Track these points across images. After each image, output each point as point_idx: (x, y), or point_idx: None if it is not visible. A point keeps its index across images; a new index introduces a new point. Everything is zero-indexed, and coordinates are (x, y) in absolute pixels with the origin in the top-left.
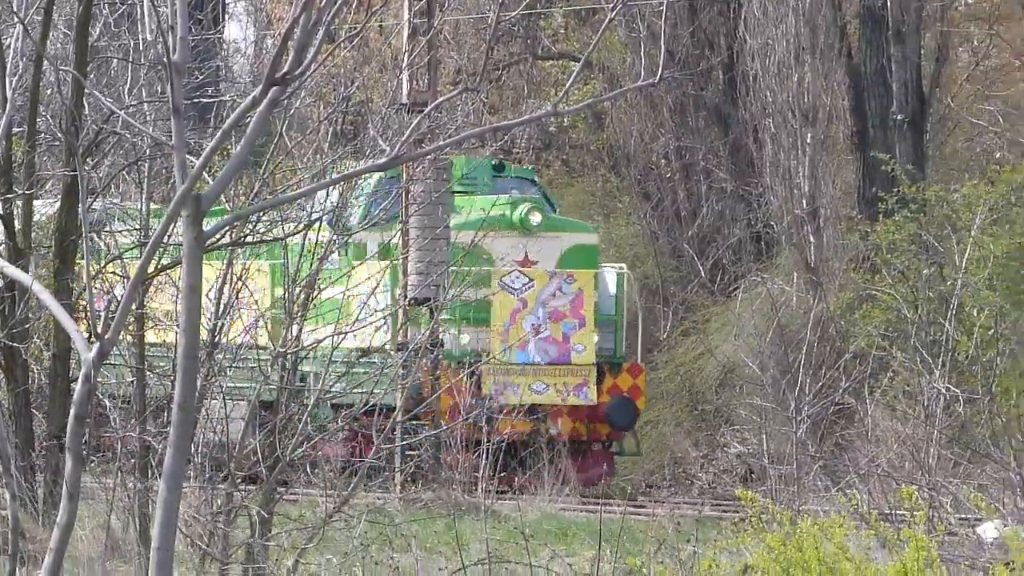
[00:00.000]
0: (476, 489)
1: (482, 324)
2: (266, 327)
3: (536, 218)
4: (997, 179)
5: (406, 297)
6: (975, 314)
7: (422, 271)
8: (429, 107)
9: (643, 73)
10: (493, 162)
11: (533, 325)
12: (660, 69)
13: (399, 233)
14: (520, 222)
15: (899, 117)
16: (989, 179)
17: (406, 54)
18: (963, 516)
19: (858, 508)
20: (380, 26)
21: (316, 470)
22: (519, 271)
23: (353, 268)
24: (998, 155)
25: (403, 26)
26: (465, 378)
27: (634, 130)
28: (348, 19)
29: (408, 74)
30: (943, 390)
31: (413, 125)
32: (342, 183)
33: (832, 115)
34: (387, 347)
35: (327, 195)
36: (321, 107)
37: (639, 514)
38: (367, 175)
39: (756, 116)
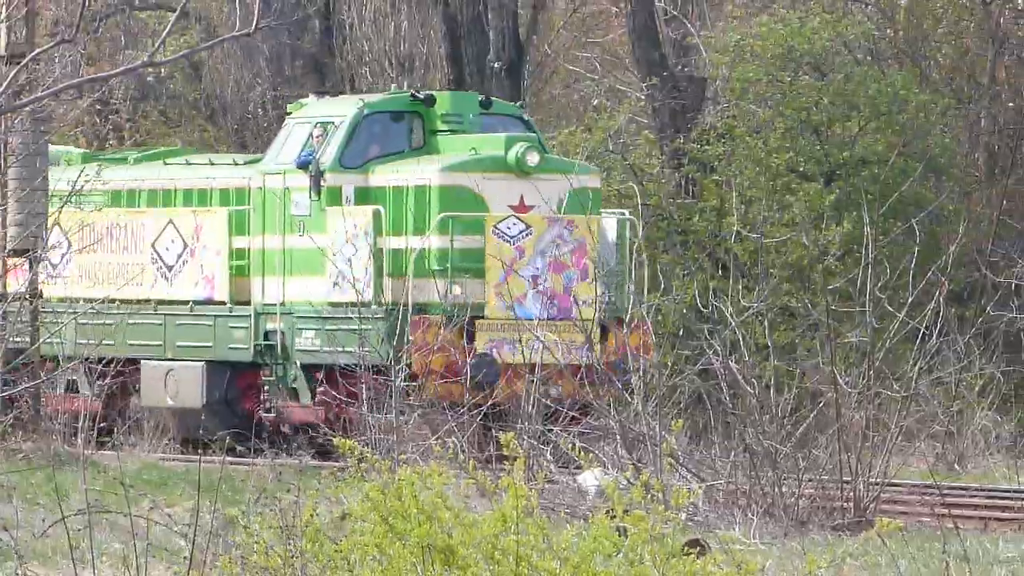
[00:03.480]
0: (76, 439)
1: (475, 275)
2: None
3: (534, 158)
4: (594, 126)
5: (4, 249)
6: None
7: (21, 223)
8: (27, 59)
9: (239, 23)
10: (480, 98)
11: (532, 276)
12: (256, 18)
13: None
14: (516, 163)
15: (496, 64)
16: (587, 126)
17: (3, 6)
18: (563, 465)
19: (456, 457)
20: None
21: None
22: (515, 217)
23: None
24: (595, 102)
25: None
26: (449, 333)
27: (231, 80)
28: None
29: (6, 26)
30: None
31: (11, 77)
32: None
33: (429, 63)
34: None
35: (284, 140)
36: None
37: (241, 463)
38: (340, 115)
39: (353, 65)
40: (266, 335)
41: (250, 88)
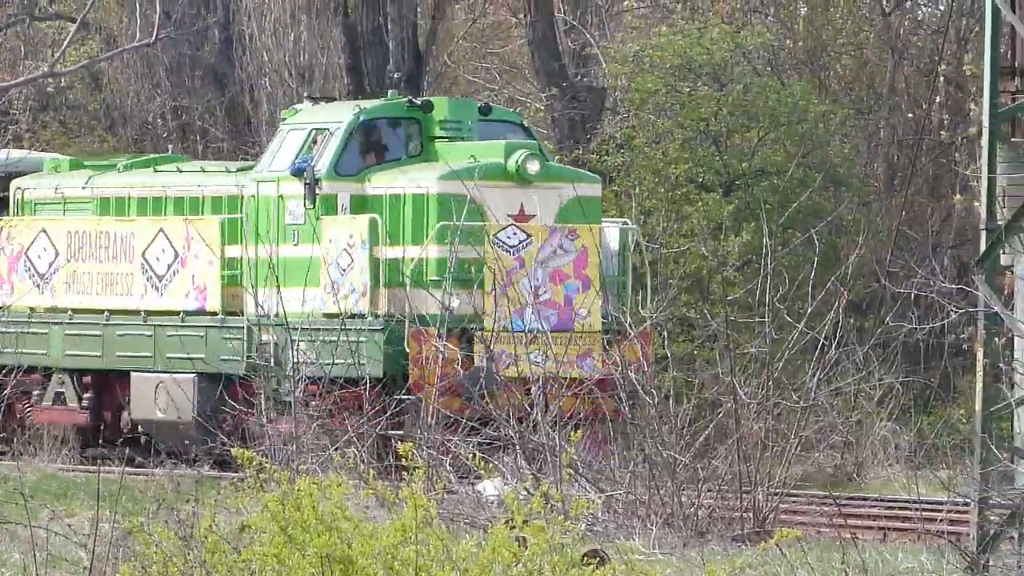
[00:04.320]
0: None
1: (474, 286)
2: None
3: (534, 166)
4: None
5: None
6: None
7: None
8: None
9: (139, 33)
10: (479, 104)
11: (532, 287)
12: (156, 29)
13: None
14: (516, 171)
15: (396, 75)
16: None
17: None
18: (463, 475)
19: (355, 467)
20: None
21: None
22: (515, 226)
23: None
24: None
25: None
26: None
27: (131, 90)
28: None
29: None
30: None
31: None
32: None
33: (329, 73)
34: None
35: (278, 147)
36: None
37: (139, 474)
38: (336, 121)
39: (253, 76)
40: (259, 347)
41: (150, 99)
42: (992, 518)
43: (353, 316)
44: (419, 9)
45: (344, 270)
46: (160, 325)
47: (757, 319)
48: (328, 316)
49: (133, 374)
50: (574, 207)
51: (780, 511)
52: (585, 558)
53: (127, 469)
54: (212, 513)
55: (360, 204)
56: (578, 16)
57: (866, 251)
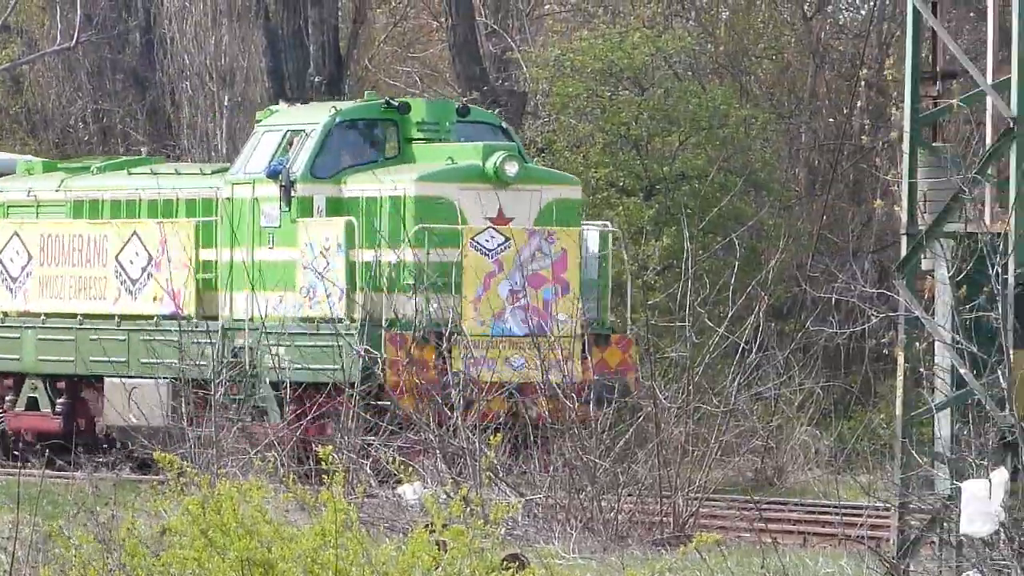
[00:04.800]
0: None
1: (452, 290)
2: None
3: (512, 168)
4: None
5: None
6: None
7: None
8: None
9: (60, 37)
10: (457, 105)
11: (510, 291)
12: (77, 32)
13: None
14: (494, 173)
15: (316, 79)
16: None
17: None
18: (383, 479)
19: (275, 471)
20: None
21: None
22: (493, 229)
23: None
24: None
25: None
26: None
27: (52, 93)
28: None
29: None
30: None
31: None
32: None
33: (250, 76)
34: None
35: (253, 149)
36: None
37: (60, 477)
38: (312, 122)
39: (174, 79)
40: (234, 352)
41: (71, 102)
42: (912, 523)
43: (329, 320)
44: (340, 13)
45: (320, 274)
46: (134, 330)
47: (677, 323)
48: (304, 320)
49: (107, 379)
50: (553, 210)
51: (700, 515)
52: (505, 562)
53: (47, 472)
54: (132, 516)
55: (336, 206)
56: (499, 20)
57: (787, 255)
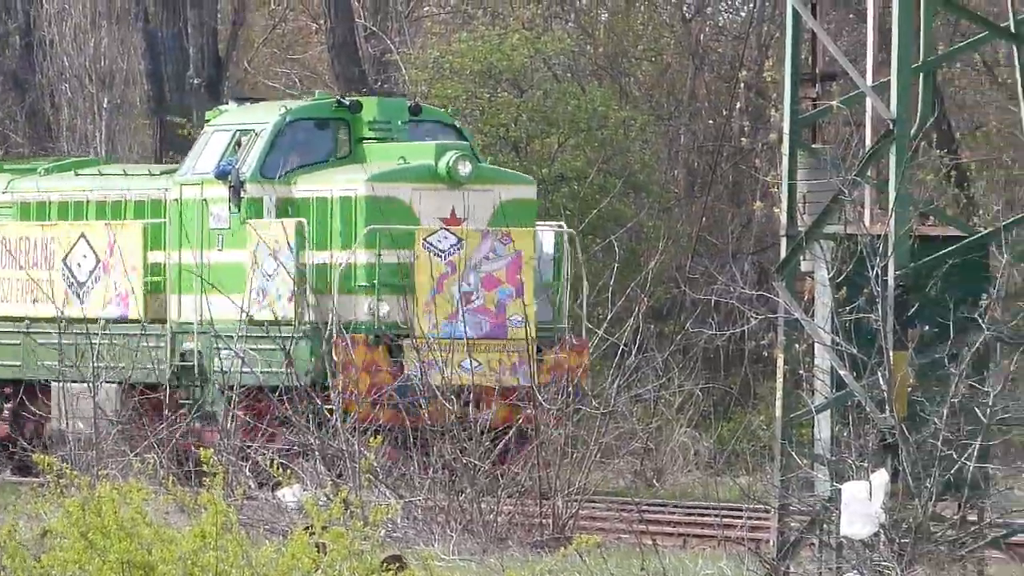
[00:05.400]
0: None
1: (404, 292)
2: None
3: (465, 168)
4: None
5: None
6: None
7: None
8: None
9: None
10: (409, 103)
11: (463, 293)
12: None
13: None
14: (447, 173)
15: (196, 81)
16: None
17: None
18: (263, 481)
19: (155, 472)
20: None
21: None
22: (446, 230)
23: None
24: None
25: None
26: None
27: None
28: None
29: None
30: None
31: None
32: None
33: (129, 79)
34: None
35: (202, 149)
36: None
37: None
38: (262, 122)
39: (53, 81)
40: (183, 355)
41: None
42: (792, 525)
43: (279, 323)
44: (219, 15)
45: (270, 276)
46: (82, 333)
47: (558, 324)
48: (254, 323)
49: (54, 384)
50: (507, 210)
51: (580, 517)
52: (385, 564)
53: None
54: (13, 518)
55: (286, 207)
56: (378, 22)
57: (666, 257)
